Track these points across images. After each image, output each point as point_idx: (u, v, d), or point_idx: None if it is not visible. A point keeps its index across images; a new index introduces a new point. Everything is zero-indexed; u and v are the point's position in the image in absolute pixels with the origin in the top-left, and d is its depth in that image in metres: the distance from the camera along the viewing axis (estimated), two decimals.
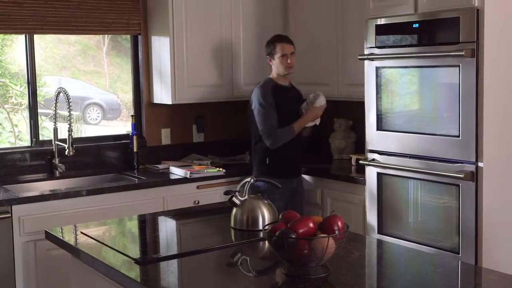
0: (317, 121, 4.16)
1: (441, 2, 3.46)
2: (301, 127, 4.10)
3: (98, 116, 5.28)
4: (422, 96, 3.69)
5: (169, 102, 4.53)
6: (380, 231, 3.87)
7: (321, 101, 4.12)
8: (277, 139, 4.05)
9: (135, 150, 4.56)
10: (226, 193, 2.85)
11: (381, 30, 3.78)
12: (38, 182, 4.19)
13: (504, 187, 3.43)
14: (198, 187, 4.26)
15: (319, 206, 4.30)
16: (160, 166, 4.51)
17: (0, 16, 4.09)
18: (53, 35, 4.50)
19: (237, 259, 2.53)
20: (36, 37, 4.34)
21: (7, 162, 4.20)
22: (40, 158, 4.32)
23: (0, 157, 4.19)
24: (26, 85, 4.36)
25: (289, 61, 4.10)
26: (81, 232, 2.83)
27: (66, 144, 4.21)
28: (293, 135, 4.07)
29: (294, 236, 2.13)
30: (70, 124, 4.19)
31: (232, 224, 2.82)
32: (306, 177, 4.36)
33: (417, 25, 3.59)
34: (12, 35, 4.34)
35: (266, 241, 2.45)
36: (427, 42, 3.57)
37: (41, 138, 4.41)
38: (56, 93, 4.33)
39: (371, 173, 3.91)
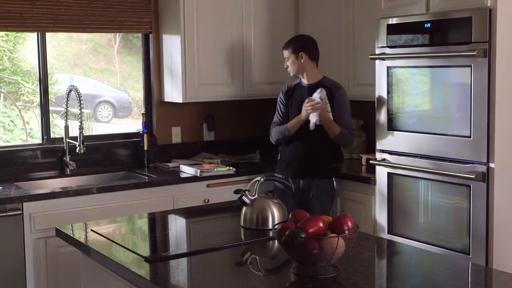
0: (314, 120, 3.90)
1: (453, 1, 3.44)
2: (294, 126, 4.02)
3: (109, 114, 5.29)
4: (433, 96, 3.67)
5: (180, 101, 4.53)
6: (390, 231, 3.86)
7: (313, 97, 3.95)
8: (273, 136, 4.19)
9: (145, 148, 4.57)
10: (236, 192, 2.85)
11: (392, 29, 3.77)
12: (49, 180, 4.21)
13: None
14: (208, 186, 4.27)
15: None
16: (171, 165, 4.52)
17: (13, 15, 4.11)
18: (65, 33, 4.51)
19: (247, 258, 2.53)
20: (48, 35, 4.36)
21: (19, 159, 4.23)
22: (51, 156, 4.34)
23: (11, 154, 4.21)
24: (37, 82, 4.38)
25: (285, 65, 4.16)
26: (91, 230, 2.85)
27: (77, 141, 4.22)
28: (286, 132, 4.05)
29: (304, 236, 2.13)
30: (81, 122, 4.21)
31: (241, 223, 2.82)
32: None
33: (429, 24, 3.57)
34: (24, 33, 4.36)
35: (276, 241, 2.46)
36: (439, 42, 3.55)
37: (52, 135, 4.43)
38: (67, 91, 4.34)
39: (381, 173, 3.90)
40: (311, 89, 4.04)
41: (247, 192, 2.81)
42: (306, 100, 3.95)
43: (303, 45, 4.08)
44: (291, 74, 4.15)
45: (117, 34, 4.84)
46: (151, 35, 4.69)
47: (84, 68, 4.90)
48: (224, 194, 4.18)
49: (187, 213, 3.32)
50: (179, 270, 2.39)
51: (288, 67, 4.12)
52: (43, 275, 3.74)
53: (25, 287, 3.69)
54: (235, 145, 4.96)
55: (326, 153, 4.07)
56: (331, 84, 4.06)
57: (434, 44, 3.57)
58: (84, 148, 4.23)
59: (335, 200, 4.13)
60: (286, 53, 4.12)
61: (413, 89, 3.75)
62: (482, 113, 3.32)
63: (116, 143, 4.60)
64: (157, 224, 3.15)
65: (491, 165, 3.33)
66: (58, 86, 4.62)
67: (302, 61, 4.05)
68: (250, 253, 2.58)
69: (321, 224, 2.19)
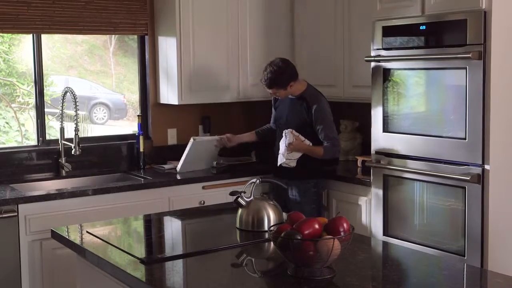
0: (283, 161, 4.02)
1: (448, 4, 3.45)
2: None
3: (105, 116, 5.29)
4: (428, 98, 3.68)
5: (176, 103, 4.53)
6: (385, 233, 3.86)
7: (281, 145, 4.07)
8: None
9: (141, 150, 4.57)
10: (232, 193, 2.85)
11: (388, 31, 3.77)
12: (45, 181, 4.21)
13: (511, 190, 3.42)
14: (204, 188, 4.27)
15: (324, 207, 4.29)
16: (166, 166, 4.52)
17: (8, 16, 4.10)
18: (60, 34, 4.51)
19: (242, 260, 2.54)
20: (44, 36, 4.36)
21: (14, 161, 4.22)
22: (47, 158, 4.34)
23: (7, 156, 4.20)
24: (33, 84, 4.38)
25: (271, 95, 4.21)
26: (87, 232, 2.84)
27: (72, 143, 4.22)
28: None
29: (299, 237, 2.13)
30: (76, 124, 4.20)
31: (237, 224, 2.82)
32: None
33: (424, 27, 3.58)
34: (20, 34, 4.36)
35: (272, 242, 2.46)
36: (434, 44, 3.56)
37: (47, 137, 4.42)
38: (63, 93, 4.34)
39: (377, 175, 3.91)
40: (292, 101, 4.11)
41: (242, 194, 2.81)
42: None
43: (289, 78, 4.03)
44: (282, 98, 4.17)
45: (113, 36, 4.84)
46: (146, 37, 4.69)
47: (79, 70, 4.89)
48: (219, 196, 4.19)
49: (183, 214, 3.32)
50: (175, 272, 2.40)
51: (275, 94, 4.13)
52: (39, 277, 3.73)
53: None
54: (231, 147, 4.95)
55: (308, 157, 4.06)
56: (310, 97, 4.08)
57: (430, 46, 3.58)
58: (80, 150, 4.22)
59: (318, 201, 4.13)
60: (273, 90, 4.08)
61: (408, 91, 3.76)
62: (477, 115, 3.33)
63: (111, 145, 4.60)
64: (153, 226, 3.14)
65: (486, 167, 3.34)
66: (53, 88, 4.62)
67: (291, 88, 4.07)
68: (246, 255, 2.58)
69: (316, 226, 2.19)
